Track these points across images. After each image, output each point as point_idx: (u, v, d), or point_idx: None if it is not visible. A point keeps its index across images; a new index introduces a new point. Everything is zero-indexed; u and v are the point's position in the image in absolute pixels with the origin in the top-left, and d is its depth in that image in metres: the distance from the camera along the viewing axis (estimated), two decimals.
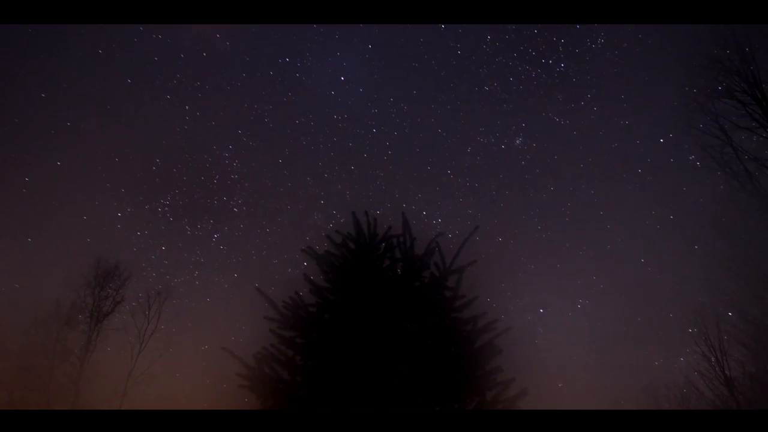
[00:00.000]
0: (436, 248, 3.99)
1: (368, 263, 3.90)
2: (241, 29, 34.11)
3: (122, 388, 23.32)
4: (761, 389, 18.81)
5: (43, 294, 24.69)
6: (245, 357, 3.42)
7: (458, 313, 3.80)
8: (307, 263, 3.94)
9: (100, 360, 23.83)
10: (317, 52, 37.38)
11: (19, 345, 22.95)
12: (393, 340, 3.54)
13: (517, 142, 37.18)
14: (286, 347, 3.53)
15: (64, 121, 32.40)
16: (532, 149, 37.37)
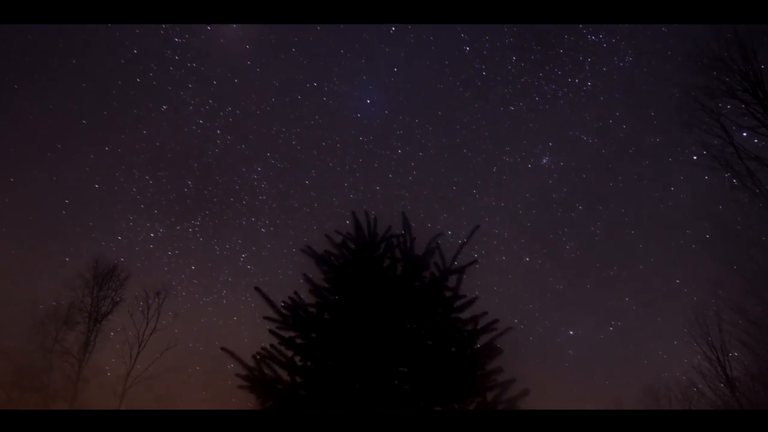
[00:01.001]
0: (436, 248, 3.98)
1: (368, 263, 3.89)
2: (272, 56, 36.72)
3: (121, 389, 23.39)
4: (763, 389, 18.77)
5: (57, 295, 24.87)
6: (244, 357, 3.42)
7: (458, 313, 3.79)
8: (306, 263, 3.95)
9: (99, 360, 23.96)
10: (344, 77, 39.35)
11: (18, 345, 23.02)
12: (393, 341, 3.53)
13: (544, 161, 37.23)
14: (286, 348, 3.53)
15: (102, 145, 34.14)
16: (559, 168, 37.59)
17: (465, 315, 3.78)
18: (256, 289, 3.62)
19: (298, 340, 3.58)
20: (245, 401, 3.43)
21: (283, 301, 3.67)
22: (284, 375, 3.45)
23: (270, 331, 3.57)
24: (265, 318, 3.60)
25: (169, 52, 35.52)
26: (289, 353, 3.52)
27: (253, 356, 3.43)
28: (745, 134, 14.62)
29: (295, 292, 3.73)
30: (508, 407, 3.32)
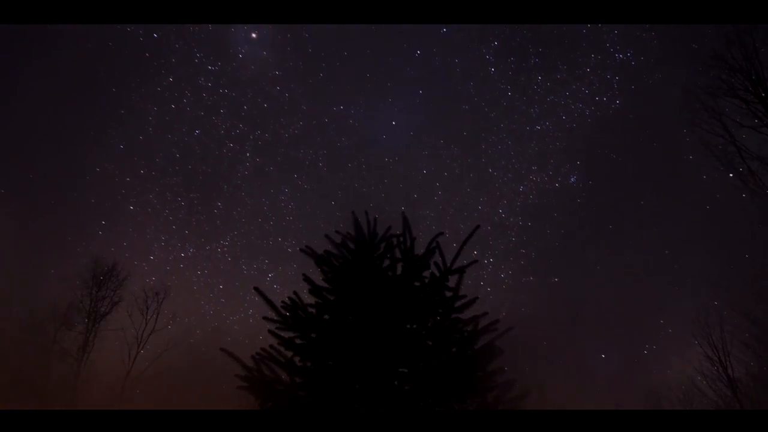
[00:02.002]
0: (436, 248, 3.97)
1: (368, 263, 3.89)
2: (300, 81, 37.87)
3: (120, 389, 23.41)
4: (764, 390, 18.72)
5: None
6: (244, 358, 3.42)
7: (459, 314, 3.78)
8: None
9: (98, 360, 24.03)
10: (370, 100, 40.71)
11: (17, 345, 23.03)
12: (393, 341, 3.52)
13: (572, 180, 37.14)
14: (285, 348, 3.52)
15: (138, 169, 35.20)
16: (587, 187, 37.68)
17: (465, 315, 3.78)
18: (256, 289, 3.62)
19: (298, 341, 3.57)
20: (245, 402, 3.43)
21: (283, 302, 3.67)
22: (284, 375, 3.44)
23: (269, 331, 3.56)
24: (265, 318, 3.60)
25: (202, 79, 37.53)
26: (289, 354, 3.52)
27: (253, 357, 3.43)
28: (744, 136, 14.59)
29: (295, 293, 3.73)
30: (509, 407, 3.32)
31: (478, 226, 4.22)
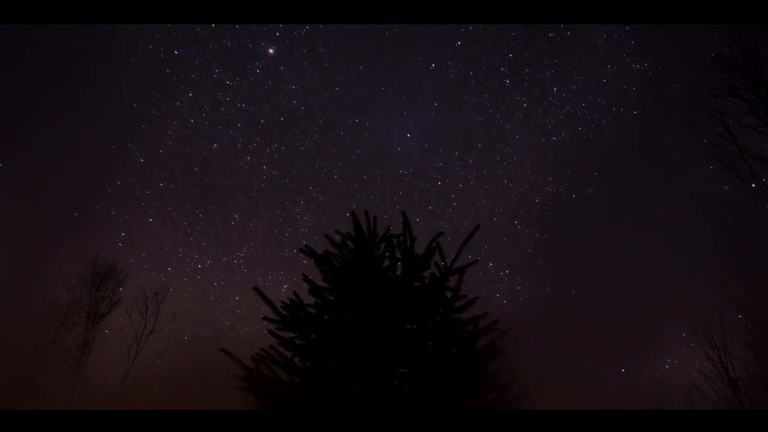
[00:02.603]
0: (436, 248, 3.97)
1: (368, 263, 3.88)
2: (316, 95, 38.78)
3: (119, 389, 23.41)
4: (766, 390, 18.68)
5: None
6: (243, 358, 3.41)
7: (459, 314, 3.77)
8: (306, 263, 3.97)
9: (97, 360, 24.06)
10: (385, 112, 41.06)
11: (16, 345, 23.04)
12: (393, 341, 3.52)
13: (589, 191, 36.98)
14: (285, 348, 3.52)
15: (158, 182, 36.38)
16: (605, 198, 37.63)
17: (466, 315, 3.77)
18: (255, 289, 3.62)
19: (298, 341, 3.57)
20: (245, 402, 3.43)
21: (283, 302, 3.66)
22: (283, 376, 3.44)
23: (269, 331, 3.56)
24: (264, 319, 3.60)
25: (220, 94, 38.46)
26: (289, 354, 3.52)
27: (253, 357, 3.43)
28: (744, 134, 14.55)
29: (294, 293, 3.72)
30: (509, 408, 3.31)
31: (478, 226, 4.22)
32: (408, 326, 3.67)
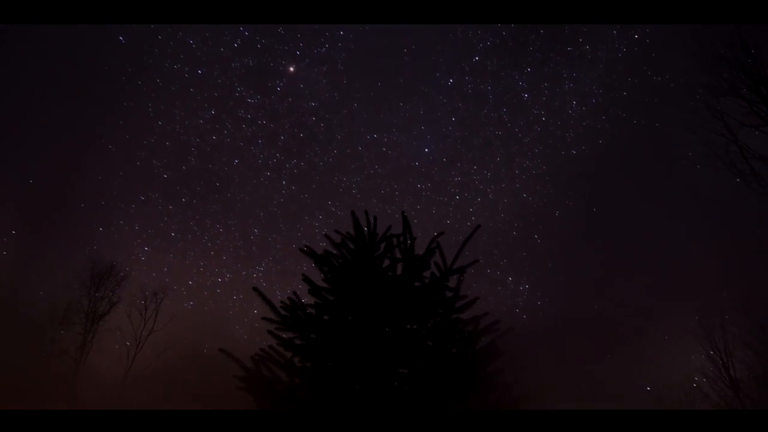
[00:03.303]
0: (436, 248, 3.96)
1: (368, 263, 3.88)
2: (335, 111, 39.92)
3: (118, 389, 23.44)
4: (767, 391, 18.65)
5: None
6: (243, 359, 3.41)
7: (459, 314, 3.77)
8: (305, 263, 3.97)
9: (95, 360, 24.12)
10: (403, 128, 41.60)
11: (15, 345, 23.04)
12: (393, 342, 3.51)
13: (608, 206, 36.73)
14: (285, 349, 3.51)
15: (179, 198, 37.70)
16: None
17: (466, 315, 3.77)
18: (255, 289, 3.62)
19: (297, 341, 3.56)
20: (244, 403, 3.42)
21: (282, 302, 3.66)
22: (283, 376, 3.43)
23: (269, 332, 3.55)
24: (264, 319, 3.59)
25: (242, 111, 39.57)
26: (288, 354, 3.51)
27: (252, 357, 3.42)
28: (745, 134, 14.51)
29: (294, 293, 3.72)
30: (509, 408, 3.31)
31: (478, 226, 4.22)
32: (408, 326, 3.66)
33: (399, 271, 3.89)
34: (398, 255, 3.92)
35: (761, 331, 18.91)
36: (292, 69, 39.95)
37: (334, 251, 3.96)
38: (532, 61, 39.43)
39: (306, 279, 3.80)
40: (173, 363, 25.11)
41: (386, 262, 3.92)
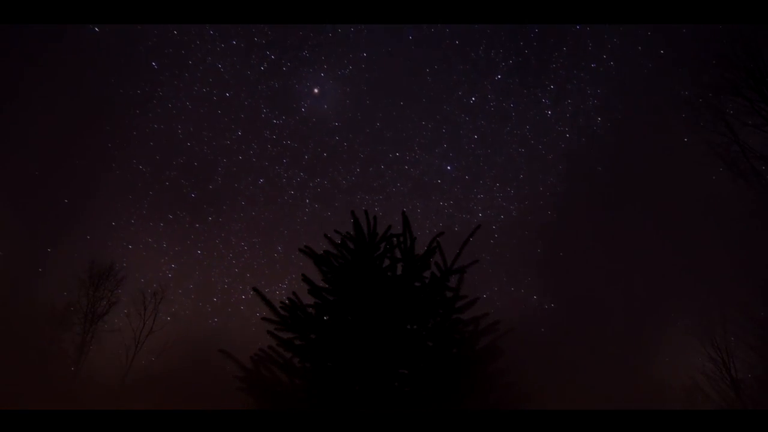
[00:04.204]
0: (436, 248, 3.96)
1: (368, 263, 3.88)
2: (358, 131, 40.99)
3: (118, 389, 23.47)
4: None
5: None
6: (242, 359, 3.41)
7: (460, 314, 3.76)
8: (305, 263, 3.98)
9: (95, 361, 24.16)
10: (425, 146, 42.36)
11: (14, 346, 23.06)
12: (393, 342, 3.51)
13: (629, 221, 36.45)
14: (284, 349, 3.51)
15: (207, 215, 38.59)
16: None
17: (466, 316, 3.76)
18: (254, 289, 3.62)
19: (297, 342, 3.56)
20: (244, 404, 3.42)
21: (282, 302, 3.66)
22: (283, 377, 3.43)
23: (268, 332, 3.55)
24: (263, 319, 3.59)
25: (267, 132, 40.85)
26: (288, 355, 3.51)
27: (252, 358, 3.42)
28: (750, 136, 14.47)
29: (294, 293, 3.72)
30: (509, 408, 3.30)
31: (479, 226, 4.21)
32: (408, 327, 3.66)
33: (399, 271, 3.89)
34: (398, 255, 3.91)
35: (763, 331, 18.87)
36: (316, 90, 41.28)
37: (334, 251, 3.96)
38: (556, 78, 39.61)
39: (306, 279, 3.80)
40: (173, 363, 25.15)
41: (386, 262, 3.92)
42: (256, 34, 39.07)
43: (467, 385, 3.42)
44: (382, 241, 3.97)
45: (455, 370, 3.44)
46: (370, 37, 41.65)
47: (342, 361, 3.41)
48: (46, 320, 23.84)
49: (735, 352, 20.00)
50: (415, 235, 3.98)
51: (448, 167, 42.42)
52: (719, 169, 15.51)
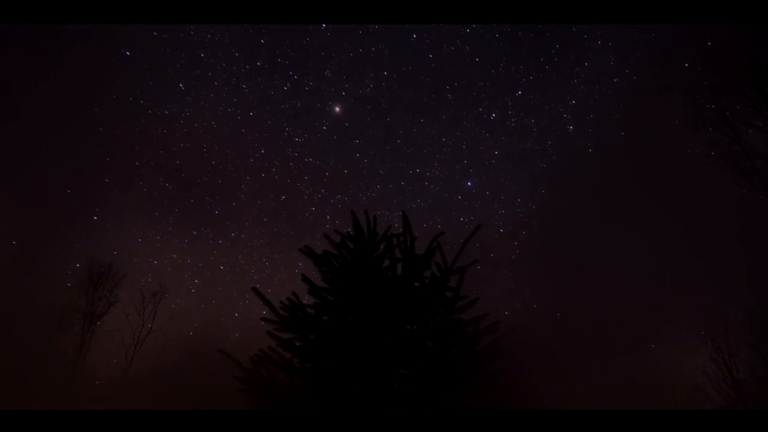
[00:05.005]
0: (437, 248, 3.95)
1: (368, 263, 3.87)
2: (378, 147, 41.99)
3: (117, 389, 23.50)
4: None
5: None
6: (242, 359, 3.41)
7: (460, 314, 3.76)
8: (305, 263, 3.98)
9: (94, 361, 24.18)
10: (445, 162, 42.50)
11: (13, 346, 23.08)
12: (393, 342, 3.50)
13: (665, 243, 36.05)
14: (284, 349, 3.51)
15: (230, 231, 39.37)
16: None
17: (466, 316, 3.75)
18: (254, 290, 3.62)
19: (297, 342, 3.56)
20: (243, 404, 3.42)
21: (281, 302, 3.65)
22: (282, 377, 3.43)
23: (268, 332, 3.55)
24: (263, 319, 3.59)
25: (290, 150, 41.69)
26: (288, 355, 3.51)
27: (251, 358, 3.42)
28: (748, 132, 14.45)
29: (294, 293, 3.71)
30: (510, 407, 3.30)
31: (479, 226, 4.20)
32: (408, 327, 3.65)
33: (399, 271, 3.88)
34: (398, 255, 3.91)
35: (765, 331, 18.84)
36: (337, 109, 41.93)
37: (334, 251, 3.95)
38: (577, 93, 39.51)
39: (305, 279, 3.79)
40: (172, 363, 25.16)
41: (386, 262, 3.91)
42: (280, 55, 40.15)
43: (467, 386, 3.42)
44: (382, 241, 3.97)
45: (455, 371, 3.43)
46: (391, 56, 42.30)
47: (342, 362, 3.40)
48: (45, 320, 23.84)
49: (736, 352, 19.97)
50: (416, 235, 3.98)
51: (469, 183, 42.41)
52: (720, 168, 15.48)
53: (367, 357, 3.39)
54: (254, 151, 41.38)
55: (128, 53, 35.60)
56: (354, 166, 42.68)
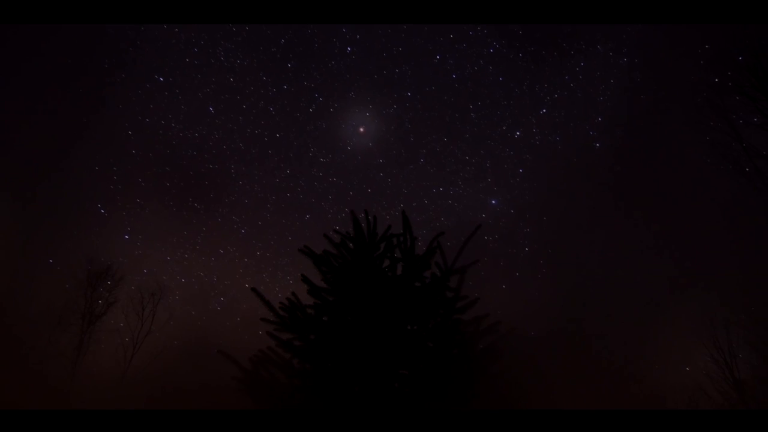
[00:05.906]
0: (437, 248, 3.95)
1: (367, 263, 3.87)
2: (401, 166, 42.42)
3: (116, 389, 23.51)
4: None
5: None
6: (241, 360, 3.40)
7: (460, 315, 3.75)
8: (304, 264, 3.97)
9: (93, 361, 24.18)
10: (469, 180, 42.66)
11: (12, 346, 23.08)
12: (393, 343, 3.50)
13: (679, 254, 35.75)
14: (284, 350, 3.50)
15: (256, 250, 39.68)
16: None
17: (467, 316, 3.75)
18: (253, 290, 3.61)
19: (296, 342, 3.55)
20: (243, 405, 3.41)
21: (281, 303, 3.65)
22: (282, 378, 3.42)
23: (267, 333, 3.54)
24: (263, 320, 3.58)
25: (315, 170, 42.49)
26: (287, 356, 3.50)
27: (251, 359, 3.41)
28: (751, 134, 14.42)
29: (293, 293, 3.71)
30: (510, 408, 3.29)
31: (479, 226, 4.20)
32: (408, 327, 3.64)
33: (399, 271, 3.88)
34: (398, 255, 3.90)
35: (765, 331, 18.80)
36: (362, 129, 42.68)
37: (334, 251, 3.95)
38: (603, 110, 39.37)
39: (305, 279, 3.79)
40: (171, 364, 25.15)
41: (386, 263, 3.91)
42: (306, 79, 40.89)
43: (468, 386, 3.41)
44: (382, 241, 3.96)
45: (456, 371, 3.42)
46: (415, 76, 42.63)
47: (342, 362, 3.40)
48: (44, 321, 23.86)
49: (738, 353, 19.93)
50: (416, 236, 3.97)
51: (493, 201, 42.57)
52: (721, 167, 15.46)
53: (367, 357, 3.39)
54: (280, 171, 42.37)
55: (161, 79, 36.96)
56: (377, 185, 43.40)
